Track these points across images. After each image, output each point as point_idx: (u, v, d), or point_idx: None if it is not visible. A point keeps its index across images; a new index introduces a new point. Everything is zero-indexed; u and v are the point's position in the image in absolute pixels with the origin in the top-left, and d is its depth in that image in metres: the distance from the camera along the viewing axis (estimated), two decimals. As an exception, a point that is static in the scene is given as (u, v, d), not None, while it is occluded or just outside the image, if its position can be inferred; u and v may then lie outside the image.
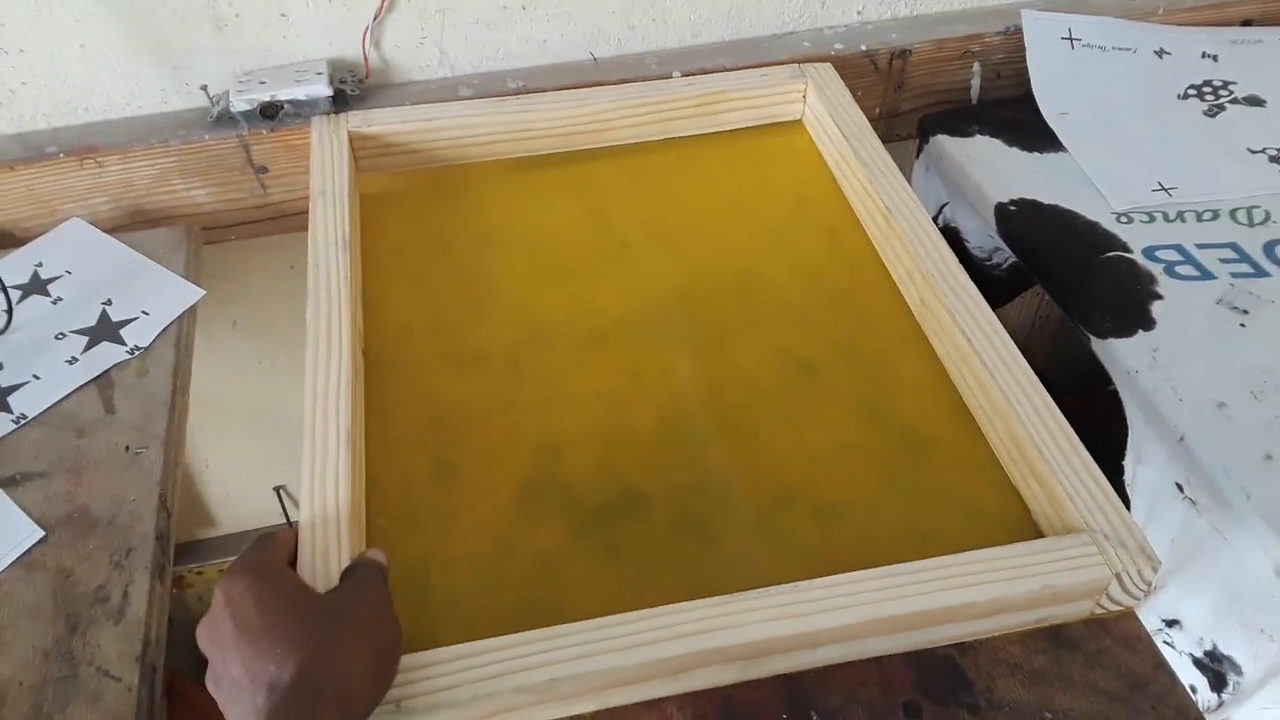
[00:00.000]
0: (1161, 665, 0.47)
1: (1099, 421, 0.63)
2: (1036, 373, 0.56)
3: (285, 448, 1.04)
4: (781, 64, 0.78)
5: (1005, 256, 0.82)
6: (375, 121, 0.71)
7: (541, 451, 0.56)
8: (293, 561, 0.47)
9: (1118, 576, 0.46)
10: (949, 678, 0.47)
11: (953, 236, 0.83)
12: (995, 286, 0.84)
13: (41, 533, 0.53)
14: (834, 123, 0.73)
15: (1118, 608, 0.48)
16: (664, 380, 0.60)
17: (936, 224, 0.85)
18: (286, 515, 1.11)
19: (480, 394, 0.59)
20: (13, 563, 0.52)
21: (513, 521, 0.52)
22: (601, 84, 0.77)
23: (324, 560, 0.47)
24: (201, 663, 1.26)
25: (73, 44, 0.71)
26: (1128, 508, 0.61)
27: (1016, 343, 0.58)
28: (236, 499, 1.08)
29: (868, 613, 0.45)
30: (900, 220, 0.64)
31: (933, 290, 0.60)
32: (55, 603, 0.50)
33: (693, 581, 0.49)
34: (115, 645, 0.49)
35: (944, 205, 0.84)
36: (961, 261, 0.84)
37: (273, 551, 0.46)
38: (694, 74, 0.78)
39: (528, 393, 0.59)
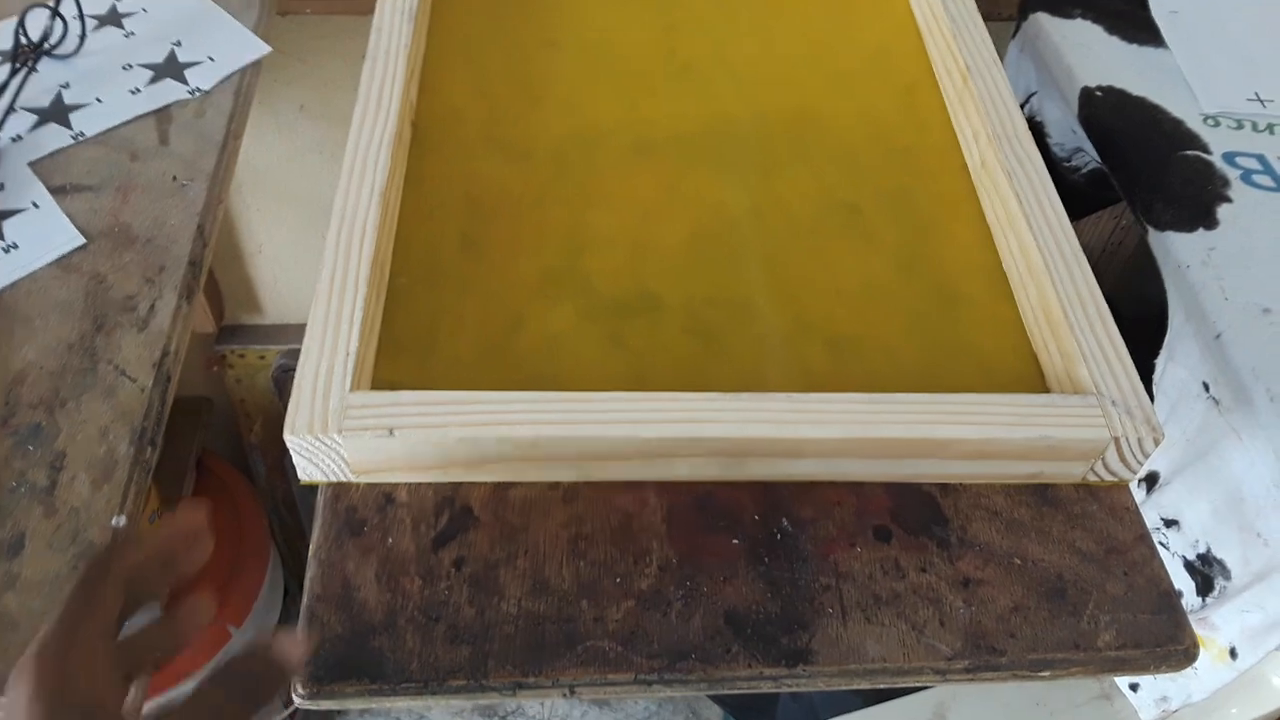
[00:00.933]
0: (1144, 538, 0.46)
1: (1149, 328, 0.62)
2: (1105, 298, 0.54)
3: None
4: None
5: (1085, 160, 0.80)
6: None
7: (569, 244, 0.56)
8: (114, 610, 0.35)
9: (1116, 441, 0.45)
10: (926, 512, 0.47)
11: (1035, 131, 0.80)
12: (1070, 196, 0.81)
13: (83, 240, 0.55)
14: None
15: (1112, 478, 0.48)
16: (704, 199, 0.59)
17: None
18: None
19: (518, 182, 0.59)
20: (52, 262, 0.54)
21: (527, 301, 0.53)
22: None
23: (339, 304, 0.48)
24: (235, 445, 1.31)
25: None
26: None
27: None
28: (285, 288, 1.11)
29: (854, 430, 0.45)
30: (978, 79, 0.62)
31: (995, 151, 0.58)
32: (85, 303, 0.52)
33: (693, 382, 0.50)
34: (136, 350, 0.51)
35: (1032, 95, 0.81)
36: (1040, 160, 0.81)
37: (81, 648, 0.33)
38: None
39: (565, 189, 0.59)
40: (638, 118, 0.63)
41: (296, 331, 1.17)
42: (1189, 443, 0.56)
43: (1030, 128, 0.81)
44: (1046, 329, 0.51)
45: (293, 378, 0.47)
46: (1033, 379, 0.51)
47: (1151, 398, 0.61)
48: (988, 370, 0.52)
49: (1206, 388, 0.56)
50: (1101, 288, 0.57)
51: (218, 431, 1.25)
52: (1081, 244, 0.99)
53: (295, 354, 1.21)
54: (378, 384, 0.48)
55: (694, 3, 0.72)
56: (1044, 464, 0.47)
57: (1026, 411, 0.46)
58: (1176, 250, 0.59)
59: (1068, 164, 0.82)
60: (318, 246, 1.07)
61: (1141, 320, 0.63)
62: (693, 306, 0.54)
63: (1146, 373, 0.61)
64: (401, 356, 0.50)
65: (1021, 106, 0.82)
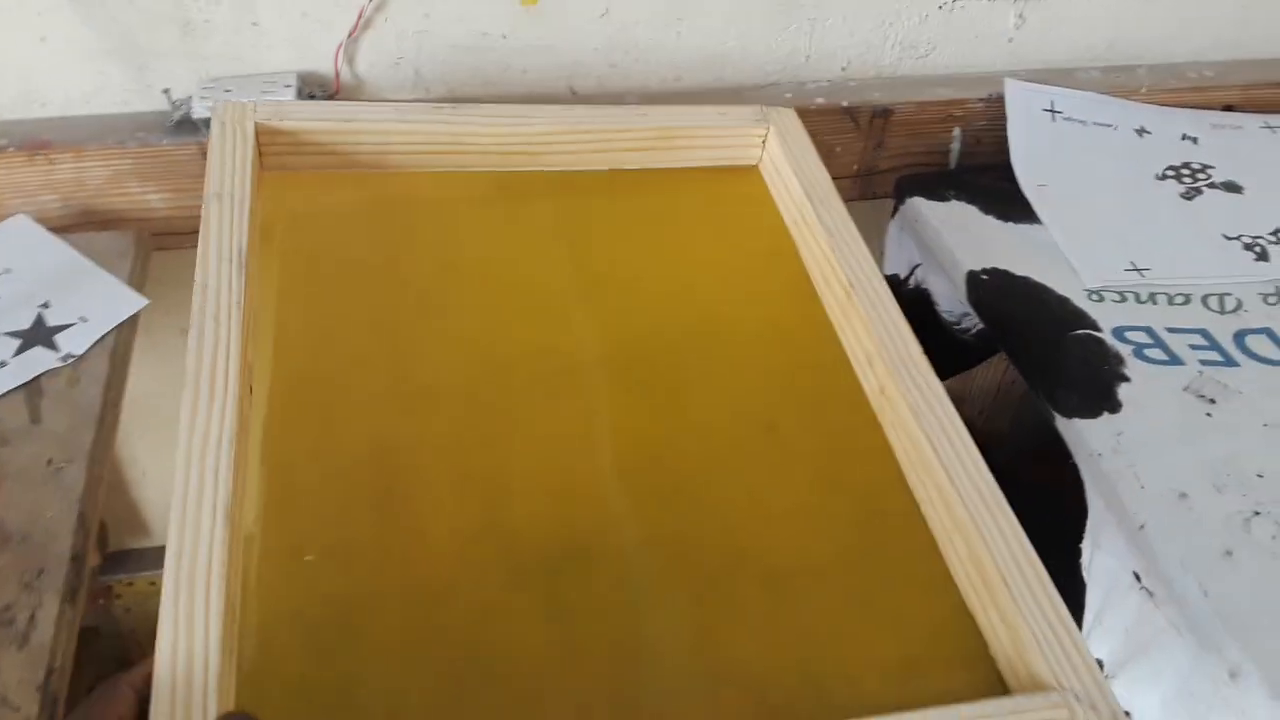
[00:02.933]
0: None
1: (1062, 496, 0.62)
2: (1001, 435, 0.54)
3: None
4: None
5: (975, 322, 0.82)
6: (289, 115, 0.63)
7: (489, 494, 0.53)
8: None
9: (1086, 741, 0.44)
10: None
11: (924, 299, 0.82)
12: (964, 351, 0.83)
13: (-53, 548, 0.50)
14: (795, 177, 0.68)
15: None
16: (621, 427, 0.58)
17: (908, 284, 0.84)
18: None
19: (428, 429, 0.56)
20: (-86, 578, 0.49)
21: (451, 566, 0.50)
22: (578, 119, 0.76)
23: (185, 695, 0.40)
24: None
25: (33, 36, 0.68)
26: (1083, 593, 0.61)
27: (983, 408, 0.56)
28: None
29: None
30: (862, 296, 0.61)
31: (894, 381, 0.56)
32: (-45, 625, 0.47)
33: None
34: (17, 672, 0.46)
35: (916, 266, 0.83)
36: (931, 325, 0.83)
37: None
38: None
39: (479, 430, 0.57)
40: (546, 345, 0.62)
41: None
42: (1128, 634, 0.56)
43: (917, 297, 0.84)
44: (985, 594, 0.49)
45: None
46: (975, 647, 0.49)
47: (1083, 586, 0.61)
48: (929, 636, 0.49)
49: (1138, 578, 0.56)
50: (999, 427, 0.57)
51: (107, 662, 1.17)
52: (976, 386, 0.99)
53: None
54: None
55: (551, 207, 0.68)
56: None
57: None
58: (1086, 439, 0.60)
59: (957, 326, 0.84)
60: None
61: (1050, 467, 0.64)
62: (625, 553, 0.52)
63: (1073, 556, 0.61)
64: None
65: (907, 278, 0.85)
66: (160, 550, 1.11)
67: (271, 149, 0.64)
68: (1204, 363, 0.64)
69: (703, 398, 0.59)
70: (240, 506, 0.47)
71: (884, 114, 0.81)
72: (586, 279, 0.65)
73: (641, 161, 0.71)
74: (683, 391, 0.60)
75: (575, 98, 0.79)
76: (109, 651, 1.18)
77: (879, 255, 0.88)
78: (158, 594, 1.21)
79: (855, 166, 0.84)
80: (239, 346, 0.50)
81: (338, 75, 0.74)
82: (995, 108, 0.82)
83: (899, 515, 0.54)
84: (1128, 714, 0.57)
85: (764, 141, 0.73)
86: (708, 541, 0.52)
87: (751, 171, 0.74)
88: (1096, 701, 0.44)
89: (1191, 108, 0.85)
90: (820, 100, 0.80)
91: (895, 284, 0.86)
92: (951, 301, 0.81)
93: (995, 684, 0.48)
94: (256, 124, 0.62)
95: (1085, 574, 0.60)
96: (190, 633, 0.40)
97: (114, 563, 1.08)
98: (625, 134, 0.70)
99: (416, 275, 0.63)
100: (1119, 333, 0.67)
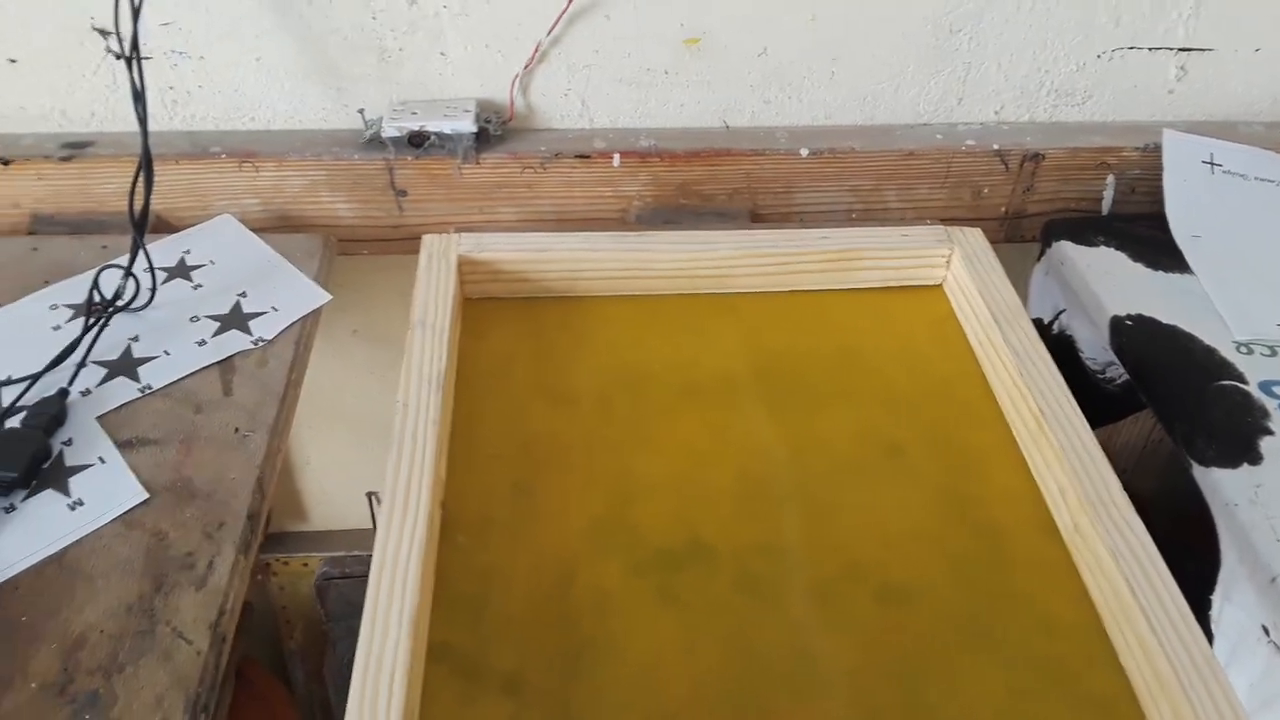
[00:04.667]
0: None
1: (1200, 553, 0.62)
2: (1146, 497, 0.52)
3: (384, 456, 1.08)
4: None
5: (1119, 372, 0.81)
6: (488, 246, 0.69)
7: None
8: None
9: None
10: None
11: (1067, 345, 0.82)
12: (1108, 403, 0.82)
13: (146, 495, 0.57)
14: (981, 297, 0.68)
15: None
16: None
17: (1051, 330, 0.84)
18: (374, 521, 1.15)
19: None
20: (116, 518, 0.56)
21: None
22: (731, 151, 0.80)
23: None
24: (274, 651, 1.30)
25: (250, 57, 0.77)
26: (1210, 644, 0.59)
27: (1126, 466, 0.54)
28: (330, 498, 1.13)
29: None
30: (1054, 425, 0.59)
31: (1090, 519, 0.54)
32: (146, 561, 0.53)
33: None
34: (193, 610, 0.51)
35: (1060, 312, 0.83)
36: (1074, 373, 0.83)
37: None
38: (822, 153, 0.80)
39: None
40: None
41: (341, 538, 1.19)
42: (1253, 688, 0.55)
43: (1061, 342, 0.83)
44: None
45: (335, 585, 0.46)
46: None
47: (1211, 637, 0.60)
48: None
49: (1266, 632, 0.55)
50: (1144, 487, 0.56)
51: (258, 637, 1.25)
52: (1120, 442, 0.97)
53: (338, 561, 1.22)
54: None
55: (731, 331, 0.69)
56: None
57: None
58: (1222, 488, 0.59)
59: (1101, 375, 0.83)
60: (364, 460, 1.09)
61: (1193, 528, 0.62)
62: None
63: (1203, 609, 0.60)
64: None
65: (1051, 323, 0.84)
66: (316, 535, 1.19)
67: (472, 277, 0.69)
68: (1355, 422, 0.62)
69: (879, 519, 0.57)
70: (424, 622, 0.50)
71: (1035, 158, 0.82)
72: (765, 398, 0.65)
73: (823, 283, 0.72)
74: (853, 510, 0.58)
75: (728, 132, 0.83)
76: (261, 629, 1.26)
77: (1023, 298, 0.88)
78: (310, 574, 1.28)
79: (1003, 209, 0.84)
80: (433, 464, 0.54)
81: (512, 104, 0.80)
82: (1151, 157, 0.82)
83: (1095, 679, 0.51)
84: (1249, 771, 0.56)
85: (948, 261, 0.72)
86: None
87: (935, 291, 0.73)
88: None
89: (1364, 166, 0.82)
90: (971, 142, 0.82)
91: (1038, 329, 0.86)
92: (1095, 349, 0.80)
93: None
94: (459, 255, 0.68)
95: (1214, 627, 0.59)
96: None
97: (272, 542, 1.17)
98: (807, 256, 0.71)
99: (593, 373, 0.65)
100: (1266, 386, 0.65)
